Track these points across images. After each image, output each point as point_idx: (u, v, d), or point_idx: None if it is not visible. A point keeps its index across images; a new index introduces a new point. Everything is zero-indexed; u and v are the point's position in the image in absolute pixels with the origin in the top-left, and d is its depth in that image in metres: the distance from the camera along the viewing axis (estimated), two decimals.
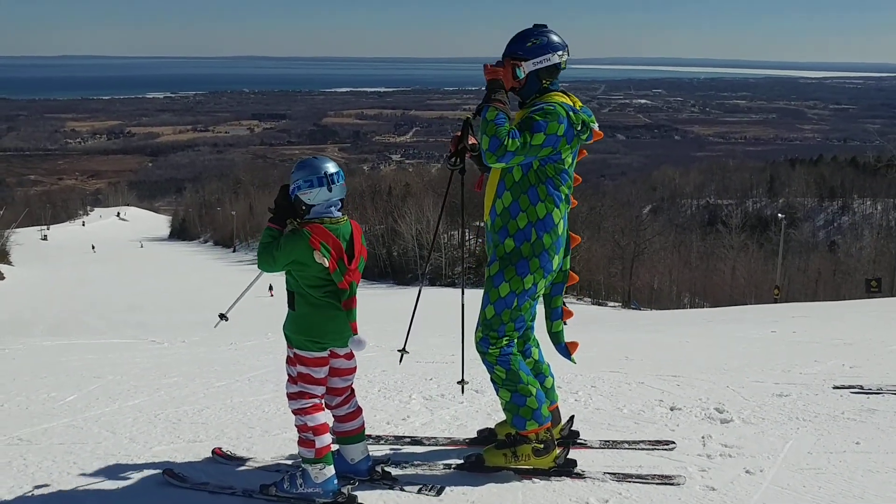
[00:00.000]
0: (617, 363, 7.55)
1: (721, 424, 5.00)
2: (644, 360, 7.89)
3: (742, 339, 10.54)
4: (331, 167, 3.84)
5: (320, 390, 3.92)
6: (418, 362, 7.60)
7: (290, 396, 3.94)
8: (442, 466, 4.21)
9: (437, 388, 6.18)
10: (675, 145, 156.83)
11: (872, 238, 67.01)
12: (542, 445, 3.97)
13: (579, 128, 3.82)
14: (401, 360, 4.58)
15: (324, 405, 3.93)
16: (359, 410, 4.09)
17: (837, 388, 5.97)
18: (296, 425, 3.85)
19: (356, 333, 3.87)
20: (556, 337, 4.25)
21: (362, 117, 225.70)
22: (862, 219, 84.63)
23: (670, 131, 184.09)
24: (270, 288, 25.41)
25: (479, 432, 4.58)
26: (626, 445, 4.49)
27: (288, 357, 3.97)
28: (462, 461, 4.14)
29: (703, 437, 4.68)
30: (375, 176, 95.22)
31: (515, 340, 4.02)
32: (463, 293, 4.41)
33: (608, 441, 4.55)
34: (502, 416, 4.39)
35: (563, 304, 4.22)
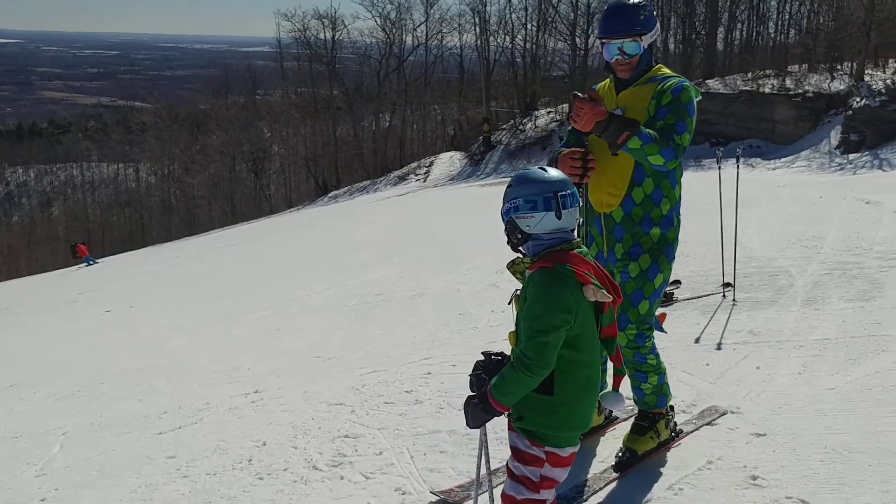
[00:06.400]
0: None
1: None
2: None
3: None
4: (563, 184, 2.70)
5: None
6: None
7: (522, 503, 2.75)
8: None
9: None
10: None
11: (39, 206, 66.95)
12: (670, 415, 4.09)
13: None
14: None
15: None
16: None
17: None
18: None
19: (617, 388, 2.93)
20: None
21: None
22: (18, 187, 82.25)
23: None
24: None
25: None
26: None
27: (525, 455, 2.75)
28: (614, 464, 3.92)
29: None
30: None
31: None
32: None
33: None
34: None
35: None
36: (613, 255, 3.88)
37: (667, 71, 3.83)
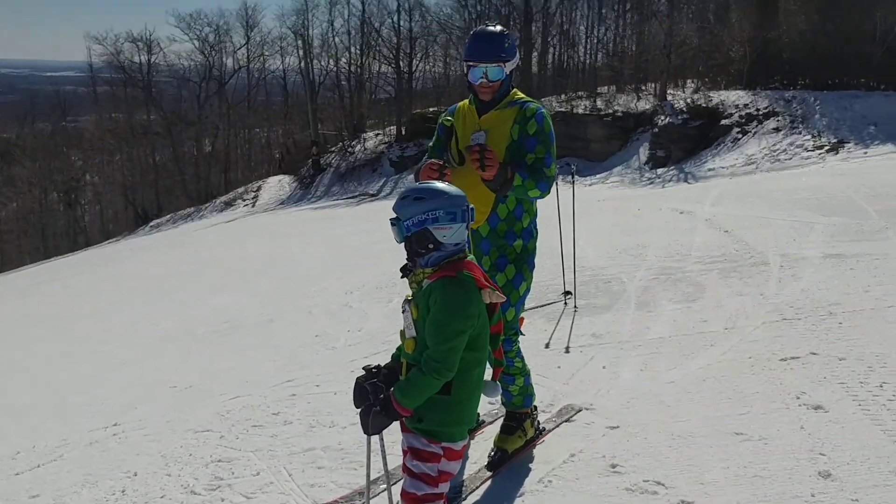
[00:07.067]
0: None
1: None
2: None
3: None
4: (467, 199, 2.93)
5: None
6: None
7: (424, 499, 2.94)
8: None
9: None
10: None
11: None
12: (535, 414, 4.42)
13: None
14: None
15: None
16: None
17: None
18: None
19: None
20: None
21: None
22: None
23: None
24: None
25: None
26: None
27: (423, 452, 2.93)
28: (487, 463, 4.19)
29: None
30: None
31: None
32: None
33: None
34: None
35: None
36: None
37: (522, 95, 4.14)
